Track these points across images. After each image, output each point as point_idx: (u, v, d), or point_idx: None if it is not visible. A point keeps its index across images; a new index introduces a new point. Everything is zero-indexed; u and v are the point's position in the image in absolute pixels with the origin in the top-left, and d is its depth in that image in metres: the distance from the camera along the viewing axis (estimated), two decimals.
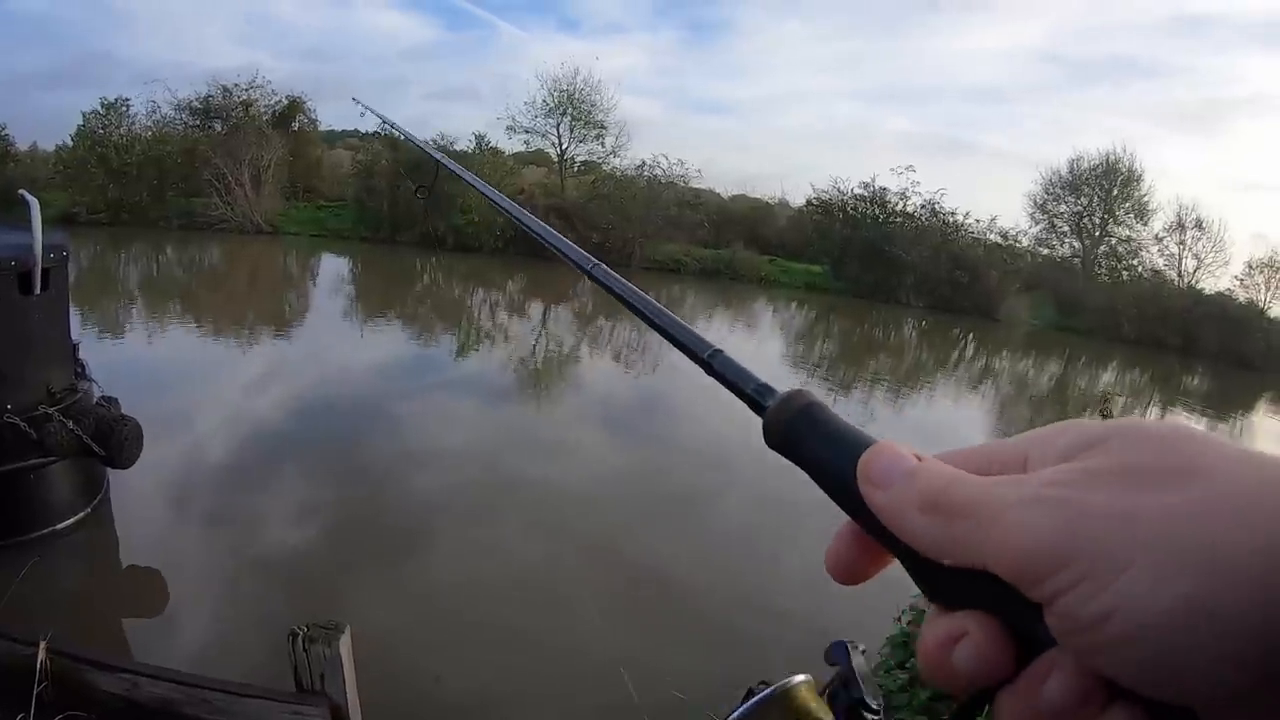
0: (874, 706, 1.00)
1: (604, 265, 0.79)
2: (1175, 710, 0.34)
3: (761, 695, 1.09)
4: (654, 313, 0.66)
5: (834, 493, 0.45)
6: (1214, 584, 0.32)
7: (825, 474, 0.45)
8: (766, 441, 0.49)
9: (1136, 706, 0.35)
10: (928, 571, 0.41)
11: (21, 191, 6.31)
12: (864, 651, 1.03)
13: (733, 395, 0.54)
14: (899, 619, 4.29)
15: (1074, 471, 0.38)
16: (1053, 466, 0.39)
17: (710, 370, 0.58)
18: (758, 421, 0.49)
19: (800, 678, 1.09)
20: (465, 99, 77.03)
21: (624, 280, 0.73)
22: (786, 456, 0.47)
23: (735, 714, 1.11)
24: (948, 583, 0.40)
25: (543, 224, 0.93)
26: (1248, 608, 0.31)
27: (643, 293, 0.70)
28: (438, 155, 1.55)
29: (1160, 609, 0.32)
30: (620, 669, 5.62)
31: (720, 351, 0.58)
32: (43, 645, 3.13)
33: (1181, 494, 0.35)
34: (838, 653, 1.04)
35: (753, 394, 0.53)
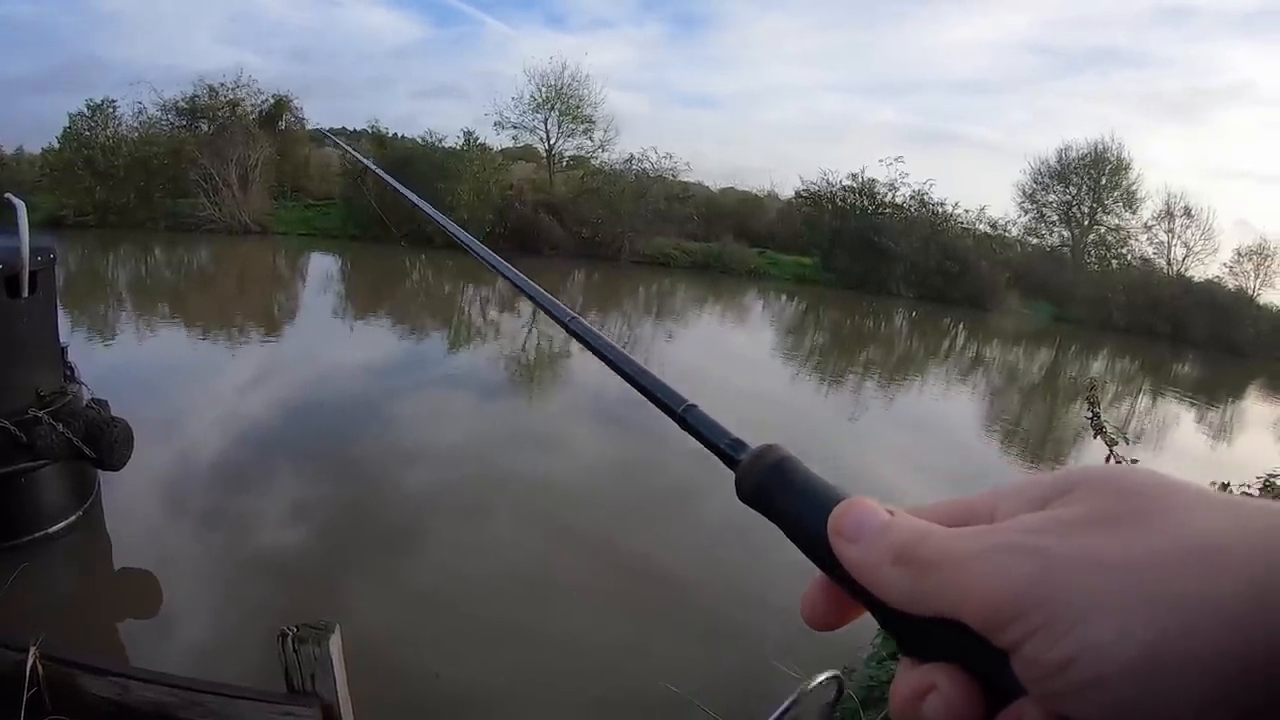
0: None
1: (581, 319, 0.78)
2: None
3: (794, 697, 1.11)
4: (629, 367, 0.66)
5: (806, 548, 0.45)
6: (1180, 631, 0.32)
7: (796, 529, 0.46)
8: (738, 495, 0.50)
9: None
10: (899, 624, 0.41)
11: (8, 195, 6.26)
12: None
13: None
14: None
15: (1040, 520, 0.39)
16: (1019, 516, 0.40)
17: (684, 425, 0.58)
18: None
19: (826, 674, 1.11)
20: (453, 96, 77.07)
21: (600, 334, 0.72)
22: (758, 510, 0.48)
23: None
24: (919, 635, 0.41)
25: (520, 275, 0.92)
26: (1216, 654, 0.31)
27: (618, 347, 0.69)
28: (413, 197, 1.53)
29: (1122, 657, 0.33)
30: (614, 663, 5.65)
31: (694, 406, 0.58)
32: (33, 650, 3.12)
33: (1145, 541, 0.35)
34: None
35: (725, 449, 0.53)
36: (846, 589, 0.44)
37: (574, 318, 0.80)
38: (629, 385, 0.66)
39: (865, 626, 0.51)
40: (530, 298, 0.87)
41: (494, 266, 0.95)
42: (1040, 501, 0.40)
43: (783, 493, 0.47)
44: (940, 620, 0.39)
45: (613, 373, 0.67)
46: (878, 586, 0.41)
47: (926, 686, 0.39)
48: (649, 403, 0.61)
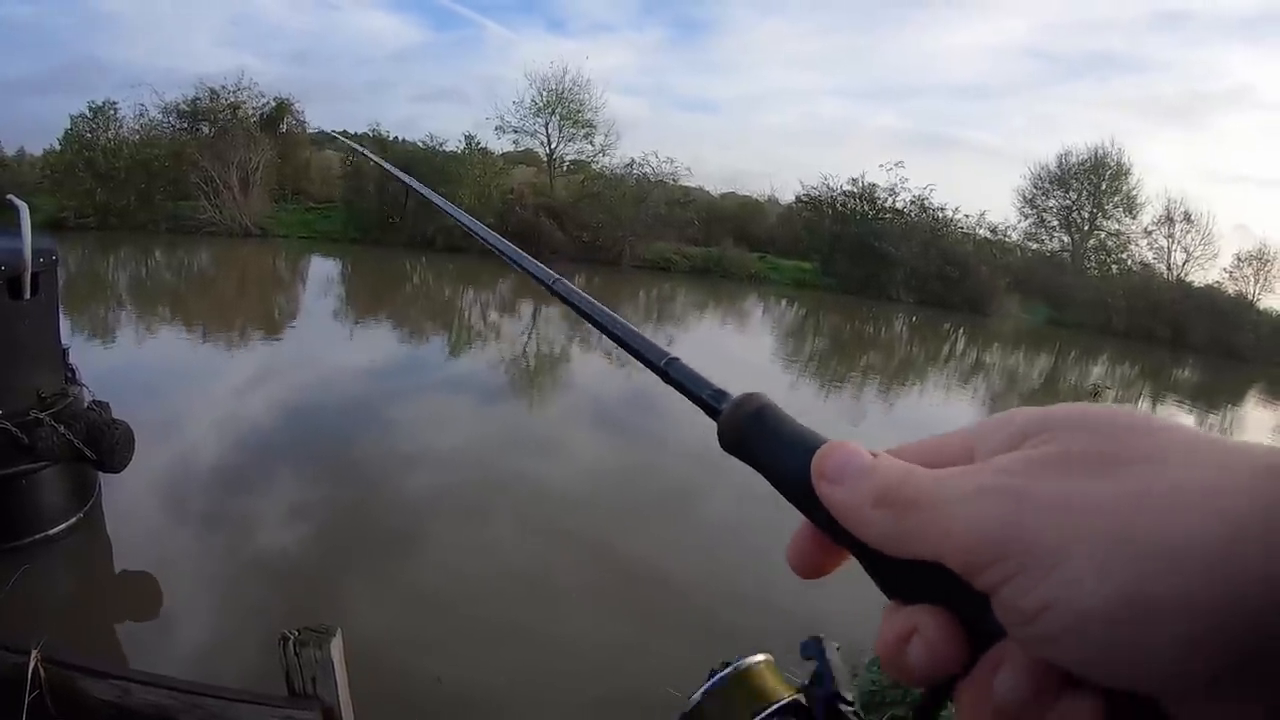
0: (849, 699, 1.01)
1: (564, 280, 0.79)
2: (1138, 698, 0.33)
3: (721, 674, 1.11)
4: (611, 323, 0.67)
5: (788, 492, 0.45)
6: (1158, 574, 0.31)
7: (779, 474, 0.46)
8: (721, 444, 0.49)
9: (1094, 695, 0.34)
10: (882, 566, 0.41)
11: (10, 196, 6.27)
12: (839, 648, 1.04)
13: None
14: None
15: (1017, 460, 0.38)
16: (998, 456, 0.39)
17: (667, 378, 0.58)
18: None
19: (760, 656, 1.11)
20: (453, 100, 77.09)
21: (583, 293, 0.73)
22: (741, 459, 0.48)
23: (697, 693, 1.13)
24: (902, 577, 0.40)
25: (500, 238, 0.93)
26: (1195, 598, 0.31)
27: (600, 305, 0.70)
28: (410, 180, 1.54)
29: (1100, 599, 0.32)
30: (614, 664, 5.65)
31: (676, 359, 0.58)
32: (35, 653, 3.12)
33: (1124, 482, 0.34)
34: (812, 648, 1.04)
35: (708, 399, 0.53)
36: (829, 533, 0.44)
37: (558, 279, 0.80)
38: (614, 342, 0.66)
39: (868, 633, 0.51)
40: (514, 262, 0.88)
41: (476, 233, 0.96)
42: (1018, 439, 0.40)
43: (765, 439, 0.47)
44: (922, 563, 0.39)
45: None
46: (860, 528, 0.41)
47: (909, 629, 0.39)
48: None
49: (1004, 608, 0.35)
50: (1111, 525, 0.33)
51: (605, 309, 0.69)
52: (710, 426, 0.50)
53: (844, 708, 0.99)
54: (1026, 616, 0.34)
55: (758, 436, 0.47)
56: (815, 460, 0.43)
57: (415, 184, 1.43)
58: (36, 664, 3.11)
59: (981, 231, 39.46)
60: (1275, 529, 0.31)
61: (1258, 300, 39.92)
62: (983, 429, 0.43)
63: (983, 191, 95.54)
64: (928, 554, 0.38)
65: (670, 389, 0.57)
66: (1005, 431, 0.41)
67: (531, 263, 0.86)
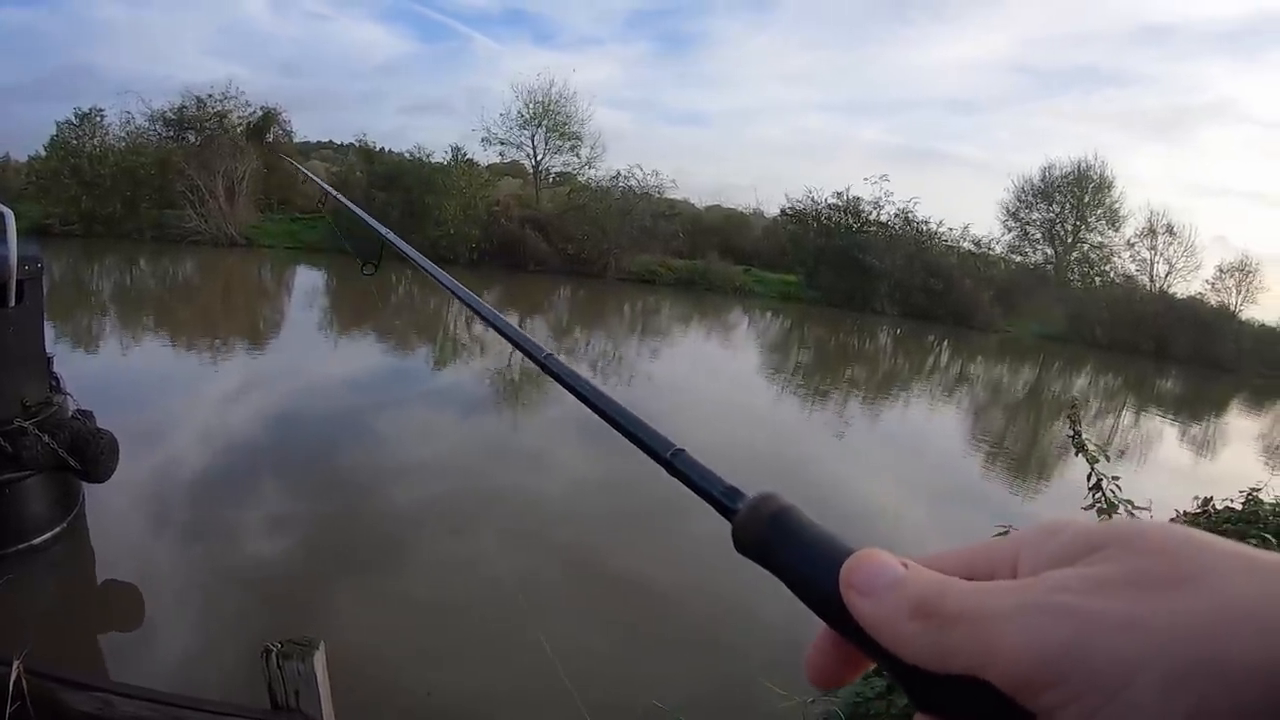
0: None
1: (557, 357, 0.75)
2: None
3: None
4: (611, 408, 0.64)
5: (813, 603, 0.43)
6: (1220, 696, 0.30)
7: (803, 584, 0.44)
8: (736, 548, 0.48)
9: None
10: (916, 679, 0.39)
11: None
12: None
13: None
14: None
15: (1076, 578, 0.36)
16: (1049, 572, 0.38)
17: (672, 470, 0.56)
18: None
19: None
20: (440, 112, 77.35)
21: (578, 374, 0.70)
22: (761, 565, 0.46)
23: None
24: (936, 691, 0.38)
25: (495, 312, 0.91)
26: (1261, 718, 0.30)
27: (599, 387, 0.67)
28: (385, 231, 1.53)
29: None
30: (600, 677, 5.64)
31: (682, 451, 0.56)
32: (17, 664, 3.11)
33: (1187, 603, 0.33)
34: None
35: (720, 497, 0.51)
36: (857, 644, 0.42)
37: (549, 355, 0.77)
38: (615, 430, 0.63)
39: None
40: (505, 335, 0.85)
41: (471, 306, 0.93)
42: (1069, 557, 0.38)
43: (786, 546, 0.45)
44: (961, 678, 0.37)
45: (598, 382, 0.66)
46: (895, 642, 0.39)
47: None
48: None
49: None
50: (1177, 647, 0.32)
51: (603, 390, 0.67)
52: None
53: None
54: None
55: (778, 544, 0.45)
56: (844, 572, 0.42)
57: (403, 245, 1.41)
58: (19, 675, 3.09)
59: (965, 244, 39.81)
60: None
61: (1240, 311, 40.33)
62: (1026, 539, 0.42)
63: (967, 205, 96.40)
64: (970, 670, 0.36)
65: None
66: (1054, 544, 0.40)
67: (524, 337, 0.82)
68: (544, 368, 0.76)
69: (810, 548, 0.44)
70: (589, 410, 0.67)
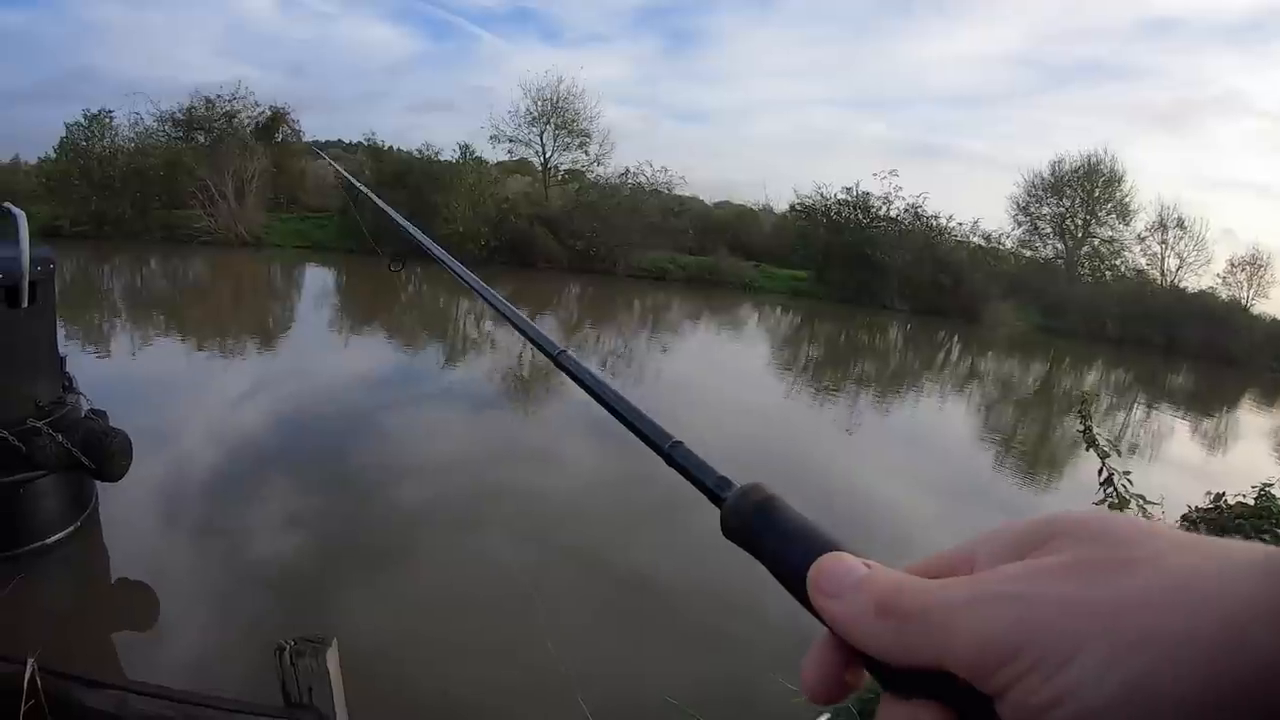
0: None
1: (569, 353, 0.79)
2: None
3: None
4: (618, 403, 0.68)
5: (791, 588, 0.46)
6: (1159, 668, 0.32)
7: (781, 572, 0.47)
8: (724, 533, 0.51)
9: None
10: (886, 672, 0.42)
11: (7, 204, 6.27)
12: None
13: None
14: None
15: (1020, 568, 0.39)
16: (1000, 566, 0.41)
17: (670, 461, 0.59)
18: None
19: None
20: (448, 110, 77.06)
21: (590, 369, 0.74)
22: (745, 549, 0.49)
23: None
24: (906, 681, 0.41)
25: (510, 307, 0.91)
26: (1194, 690, 0.32)
27: (605, 381, 0.71)
28: (415, 231, 1.54)
29: (1106, 694, 0.33)
30: (610, 674, 5.65)
31: (680, 443, 0.59)
32: (31, 662, 3.12)
33: (1125, 585, 0.35)
34: None
35: (711, 487, 0.54)
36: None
37: (563, 351, 0.81)
38: (618, 421, 0.67)
39: None
40: (520, 330, 0.87)
41: (485, 297, 0.95)
42: (1018, 551, 0.41)
43: (767, 534, 0.48)
44: (926, 669, 0.39)
45: (607, 380, 0.68)
46: (861, 640, 0.42)
47: None
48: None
49: (1013, 708, 0.36)
50: (1118, 624, 0.34)
51: (612, 387, 0.70)
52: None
53: None
54: (1035, 714, 0.35)
55: (761, 531, 0.48)
56: (811, 576, 0.44)
57: (412, 228, 1.41)
58: (33, 673, 3.11)
59: (975, 239, 39.59)
60: (1274, 619, 0.32)
61: (1251, 305, 40.16)
62: (981, 541, 0.44)
63: (975, 199, 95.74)
64: (931, 662, 0.39)
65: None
66: (1005, 538, 0.43)
67: (539, 333, 0.85)
68: (557, 363, 0.80)
69: (790, 536, 0.47)
70: (596, 406, 0.69)
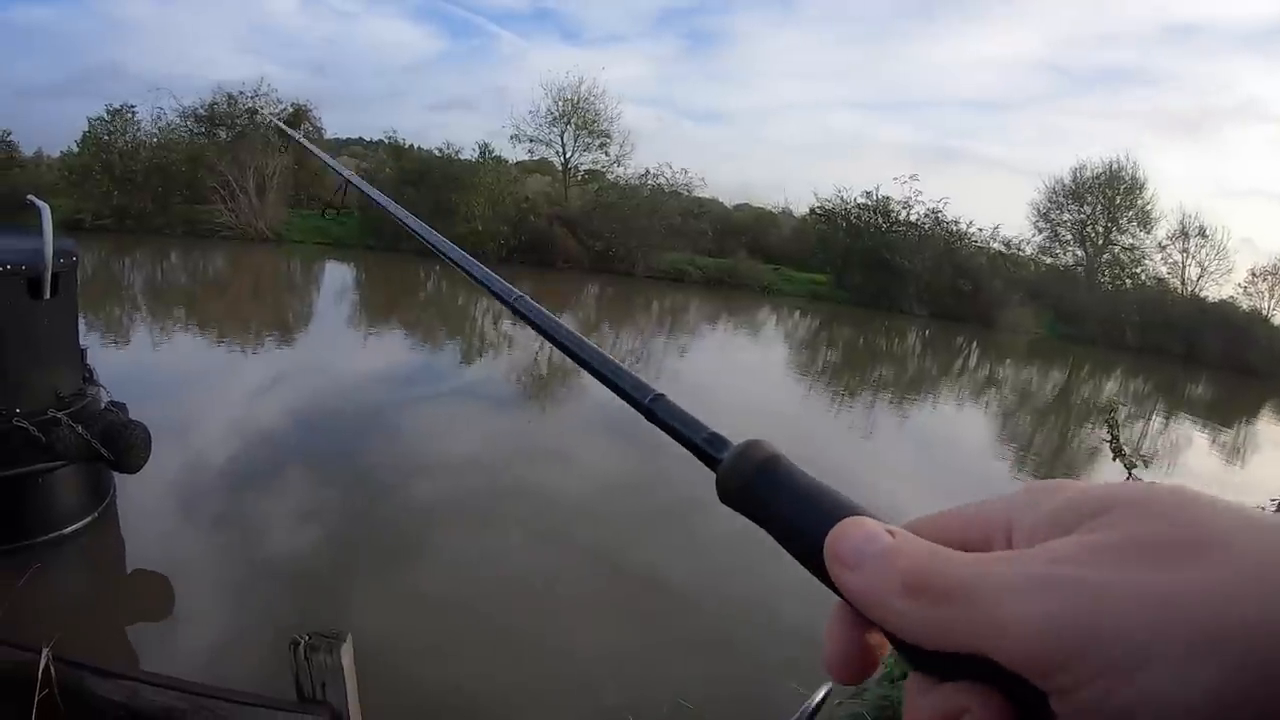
0: None
1: (526, 298, 0.71)
2: None
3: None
4: (590, 355, 0.60)
5: (802, 557, 0.41)
6: (1246, 670, 0.28)
7: (792, 537, 0.42)
8: (721, 498, 0.45)
9: None
10: (913, 650, 0.36)
11: (31, 197, 6.30)
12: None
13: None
14: None
15: (1078, 547, 0.34)
16: (1051, 541, 0.35)
17: (652, 417, 0.53)
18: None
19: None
20: (468, 109, 77.65)
21: (549, 314, 0.66)
22: (746, 515, 0.44)
23: None
24: (936, 662, 0.35)
25: (467, 256, 0.84)
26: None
27: (572, 330, 0.63)
28: (348, 172, 1.51)
29: (1186, 704, 0.29)
30: (622, 674, 5.64)
31: (662, 396, 0.53)
32: (46, 651, 3.13)
33: (1199, 571, 0.31)
34: None
35: (703, 444, 0.48)
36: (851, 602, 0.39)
37: (520, 296, 0.73)
38: (586, 372, 0.60)
39: None
40: (469, 274, 0.80)
41: (432, 244, 0.88)
42: (1068, 519, 0.35)
43: (773, 498, 0.42)
44: (961, 654, 0.34)
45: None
46: (885, 620, 0.37)
47: (956, 710, 0.34)
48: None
49: (1077, 709, 0.31)
50: (1191, 620, 0.29)
51: (576, 334, 0.63)
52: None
53: None
54: (1106, 718, 0.30)
55: (765, 494, 0.43)
56: (828, 544, 0.39)
57: (384, 199, 1.37)
58: (47, 663, 3.12)
59: (995, 245, 39.44)
60: None
61: (1272, 316, 39.83)
62: (1019, 502, 0.39)
63: (994, 204, 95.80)
64: (971, 648, 0.33)
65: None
66: (1051, 505, 0.37)
67: (492, 278, 0.77)
68: (514, 310, 0.72)
69: (800, 499, 0.42)
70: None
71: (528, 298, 0.72)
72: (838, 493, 0.42)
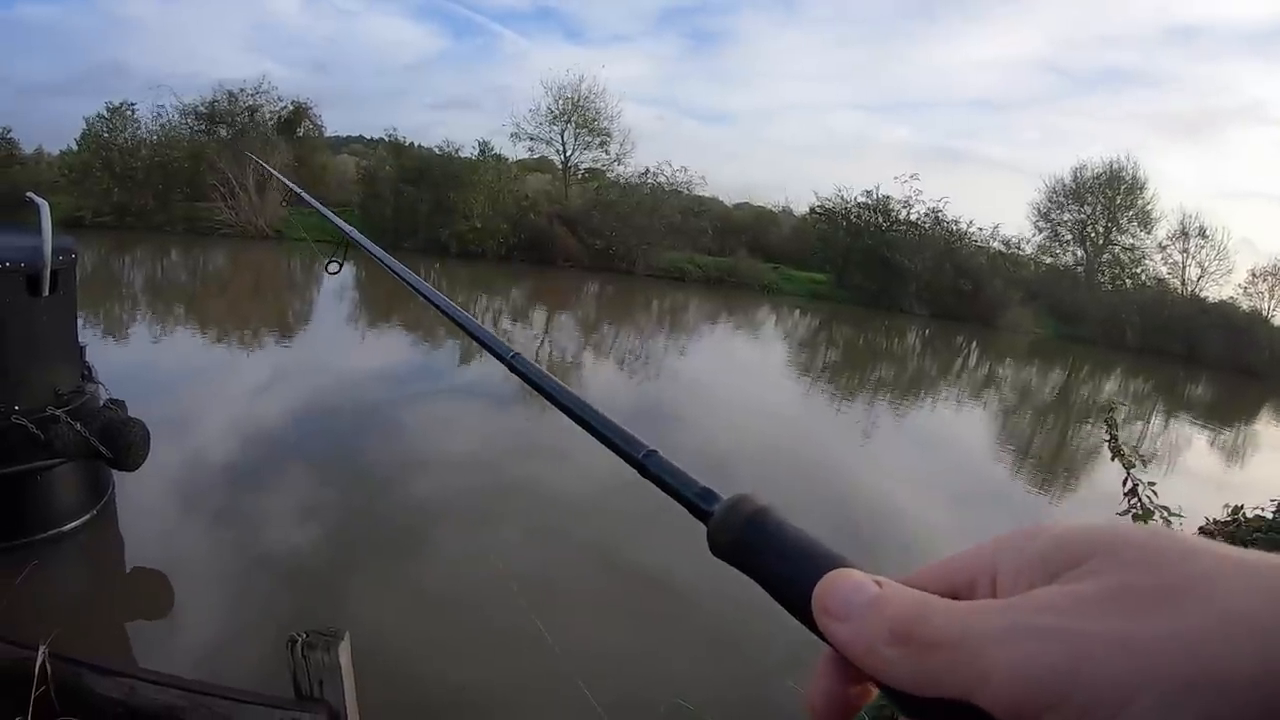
0: None
1: (523, 355, 0.74)
2: None
3: None
4: (582, 410, 0.64)
5: (792, 609, 0.42)
6: (1223, 713, 0.29)
7: (781, 589, 0.43)
8: (712, 552, 0.47)
9: None
10: (902, 696, 0.37)
11: (30, 194, 6.29)
12: None
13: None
14: None
15: (1059, 596, 0.35)
16: (1035, 590, 0.36)
17: (645, 472, 0.56)
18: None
19: None
20: (469, 108, 77.55)
21: (547, 372, 0.68)
22: (737, 569, 0.45)
23: None
24: (925, 709, 0.36)
25: (462, 311, 0.87)
26: None
27: (567, 387, 0.66)
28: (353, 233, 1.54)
29: None
30: (623, 673, 5.63)
31: (655, 452, 0.55)
32: (43, 649, 3.13)
33: (1180, 618, 0.31)
34: None
35: (694, 499, 0.51)
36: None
37: (516, 354, 0.75)
38: (585, 430, 0.63)
39: None
40: (466, 330, 0.81)
41: (437, 304, 0.90)
42: (1051, 569, 0.36)
43: (762, 551, 0.44)
44: (948, 700, 0.35)
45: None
46: (874, 669, 0.38)
47: None
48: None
49: None
50: (1171, 666, 0.30)
51: (572, 390, 0.65)
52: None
53: None
54: None
55: (755, 548, 0.45)
56: (816, 596, 0.40)
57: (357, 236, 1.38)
58: (44, 660, 3.11)
59: (995, 245, 39.49)
60: None
61: (1272, 317, 39.85)
62: (1002, 547, 0.40)
63: (995, 204, 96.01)
64: (957, 695, 0.34)
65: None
66: (1032, 552, 0.38)
67: (487, 334, 0.80)
68: (511, 368, 0.74)
69: (788, 551, 0.43)
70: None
71: (523, 355, 0.74)
72: (825, 545, 0.43)
